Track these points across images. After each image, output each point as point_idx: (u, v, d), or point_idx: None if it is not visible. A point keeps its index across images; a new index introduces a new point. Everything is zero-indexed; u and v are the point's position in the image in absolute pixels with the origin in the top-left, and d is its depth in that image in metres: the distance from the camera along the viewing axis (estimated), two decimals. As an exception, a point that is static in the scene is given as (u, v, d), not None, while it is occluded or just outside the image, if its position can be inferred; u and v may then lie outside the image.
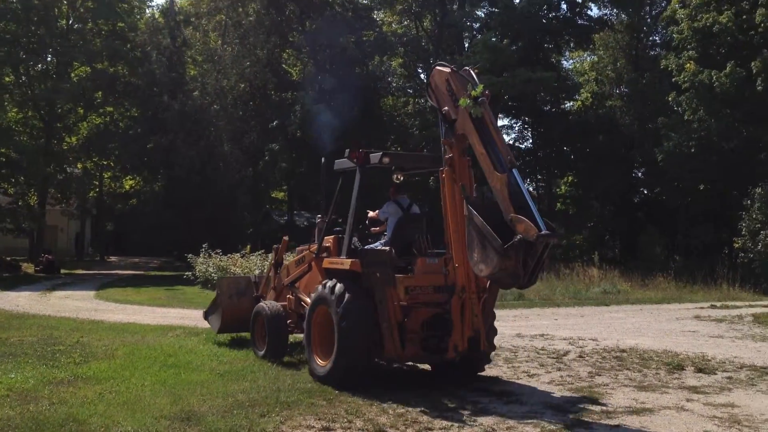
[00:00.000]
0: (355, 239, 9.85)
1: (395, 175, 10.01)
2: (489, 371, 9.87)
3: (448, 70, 8.80)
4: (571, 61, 52.90)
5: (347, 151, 10.00)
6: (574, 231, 46.28)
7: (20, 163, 34.33)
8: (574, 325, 15.89)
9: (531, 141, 48.78)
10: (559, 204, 49.47)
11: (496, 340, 9.60)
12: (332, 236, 10.19)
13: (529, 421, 7.36)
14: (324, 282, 9.43)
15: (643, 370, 10.27)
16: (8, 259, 36.40)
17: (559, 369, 10.42)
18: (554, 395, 8.66)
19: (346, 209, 9.94)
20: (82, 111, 38.26)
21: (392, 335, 8.76)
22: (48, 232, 43.33)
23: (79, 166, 40.93)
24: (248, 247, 24.02)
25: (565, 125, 42.17)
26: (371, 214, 10.39)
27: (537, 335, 14.02)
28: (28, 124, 37.57)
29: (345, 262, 9.40)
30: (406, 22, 48.67)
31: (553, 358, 11.41)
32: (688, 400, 8.37)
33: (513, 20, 38.49)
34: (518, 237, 7.31)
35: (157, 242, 46.72)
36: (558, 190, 50.34)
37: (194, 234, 29.84)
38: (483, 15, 46.23)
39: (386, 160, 9.59)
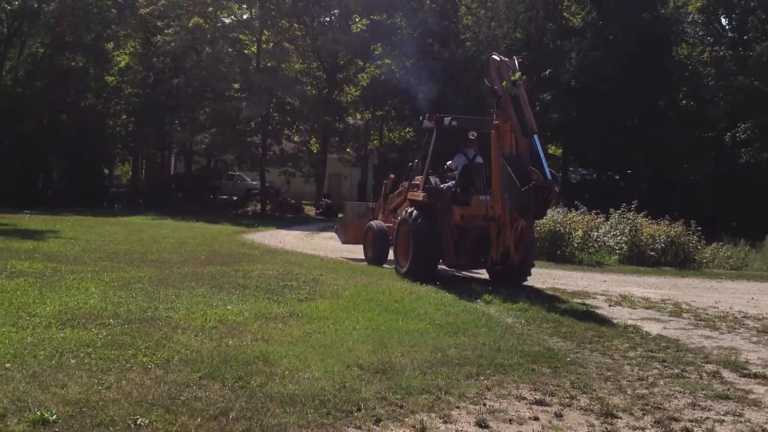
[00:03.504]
0: (437, 179, 13.58)
1: (470, 132, 13.74)
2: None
3: (498, 59, 12.08)
4: None
5: (426, 114, 14.43)
6: None
7: (303, 112, 36.24)
8: None
9: None
10: None
11: None
12: (421, 176, 13.62)
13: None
14: (406, 209, 13.44)
15: None
16: (292, 201, 39.12)
17: None
18: None
19: (444, 158, 14.32)
20: (361, 63, 39.35)
21: (449, 247, 12.64)
22: (333, 180, 45.85)
23: (358, 116, 42.38)
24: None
25: None
26: (448, 164, 13.89)
27: None
28: (311, 74, 39.50)
29: (419, 195, 13.24)
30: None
31: None
32: None
33: None
34: (532, 183, 10.55)
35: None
36: None
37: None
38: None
39: (454, 123, 13.44)
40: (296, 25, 37.85)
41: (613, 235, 19.54)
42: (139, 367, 5.89)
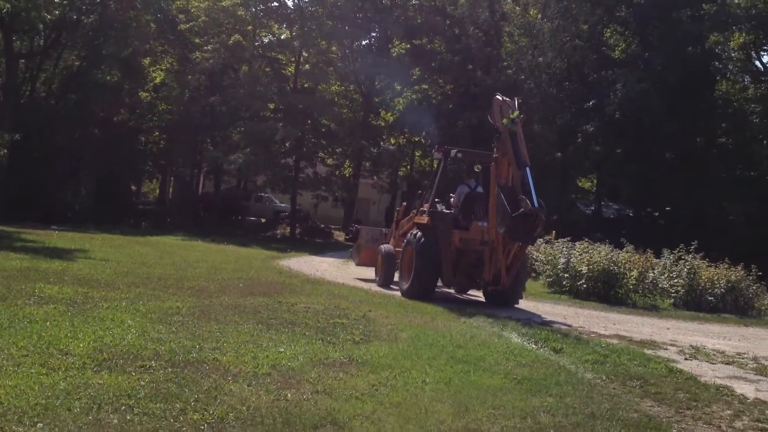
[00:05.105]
0: (443, 206, 14.96)
1: (475, 165, 15.34)
2: None
3: (501, 99, 13.45)
4: None
5: (436, 146, 16.79)
6: None
7: (338, 135, 35.53)
8: None
9: None
10: None
11: None
12: (428, 203, 14.99)
13: None
14: (412, 231, 14.71)
15: None
16: (322, 226, 38.32)
17: None
18: None
19: (448, 188, 16.46)
20: (399, 87, 38.64)
21: (447, 267, 13.85)
22: (361, 204, 45.02)
23: (392, 141, 41.61)
24: (553, 233, 21.88)
25: None
26: (451, 195, 15.44)
27: None
28: (348, 97, 38.84)
29: (424, 219, 14.55)
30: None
31: None
32: None
33: None
34: (521, 210, 11.86)
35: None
36: None
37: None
38: None
39: (459, 154, 15.61)
40: (334, 48, 37.30)
41: (669, 277, 18.50)
42: (190, 428, 4.98)
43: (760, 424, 6.81)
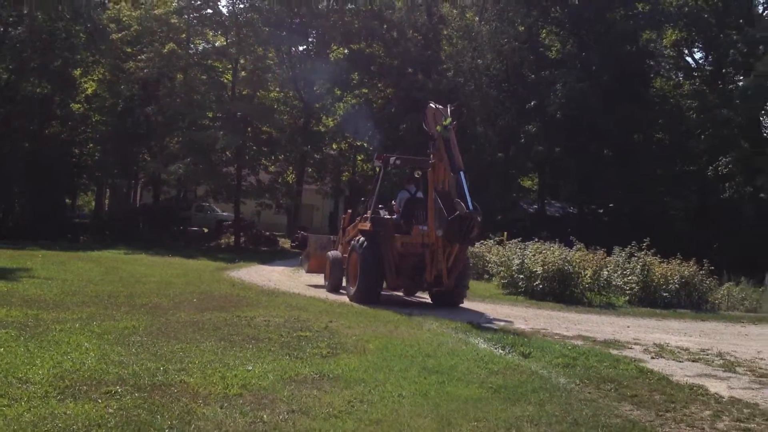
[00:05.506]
0: (385, 213, 15.34)
1: (416, 172, 15.87)
2: None
3: (434, 107, 13.93)
4: None
5: (376, 154, 18.16)
6: None
7: (280, 142, 35.06)
8: None
9: None
10: None
11: None
12: (371, 210, 15.32)
13: None
14: (356, 238, 15.02)
15: None
16: (267, 233, 37.75)
17: None
18: None
19: (390, 194, 17.78)
20: (338, 92, 38.39)
21: (391, 271, 14.33)
22: (304, 211, 44.58)
23: (334, 146, 41.30)
24: (505, 234, 21.97)
25: None
26: (393, 201, 15.88)
27: None
28: (288, 103, 38.39)
29: (366, 225, 14.90)
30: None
31: None
32: None
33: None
34: (456, 213, 12.27)
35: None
36: None
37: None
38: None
39: (398, 162, 16.02)
40: (271, 54, 36.82)
41: (622, 274, 18.64)
42: (168, 460, 4.67)
43: (741, 424, 6.73)
